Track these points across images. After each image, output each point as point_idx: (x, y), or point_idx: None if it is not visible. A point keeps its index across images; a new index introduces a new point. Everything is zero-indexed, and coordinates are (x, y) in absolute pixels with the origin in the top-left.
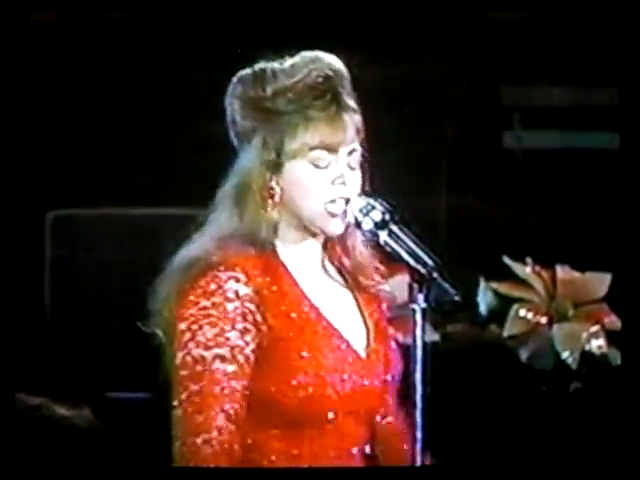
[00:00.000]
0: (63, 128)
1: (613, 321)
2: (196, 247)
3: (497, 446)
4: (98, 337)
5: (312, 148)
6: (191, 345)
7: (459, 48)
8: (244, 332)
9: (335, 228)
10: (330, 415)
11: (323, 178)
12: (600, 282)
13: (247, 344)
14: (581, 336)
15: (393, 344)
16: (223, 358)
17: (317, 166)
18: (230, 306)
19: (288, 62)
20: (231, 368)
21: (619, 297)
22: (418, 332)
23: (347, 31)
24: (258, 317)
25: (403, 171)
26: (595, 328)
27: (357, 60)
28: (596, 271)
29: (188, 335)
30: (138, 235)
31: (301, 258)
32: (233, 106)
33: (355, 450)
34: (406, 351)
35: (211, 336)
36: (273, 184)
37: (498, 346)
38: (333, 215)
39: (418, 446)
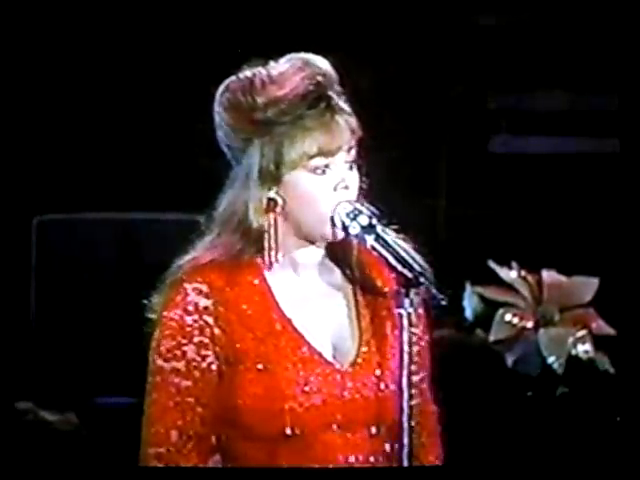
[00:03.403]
0: (48, 134)
1: (600, 326)
2: (187, 256)
3: (484, 450)
4: (83, 342)
5: (311, 157)
6: (155, 354)
7: (451, 53)
8: (200, 346)
9: (338, 234)
10: (287, 431)
11: (325, 185)
12: (586, 287)
13: (203, 359)
14: (567, 341)
15: (400, 351)
16: (178, 372)
17: (317, 174)
18: (189, 319)
19: (276, 69)
20: (186, 383)
21: (606, 302)
22: (405, 337)
23: (339, 36)
24: (216, 330)
25: (389, 176)
26: (581, 333)
27: (349, 64)
28: (582, 276)
29: (154, 344)
30: (123, 240)
31: (292, 265)
32: (222, 115)
33: (352, 459)
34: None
35: (170, 347)
36: (273, 195)
37: (484, 351)
38: (334, 223)
39: (405, 451)
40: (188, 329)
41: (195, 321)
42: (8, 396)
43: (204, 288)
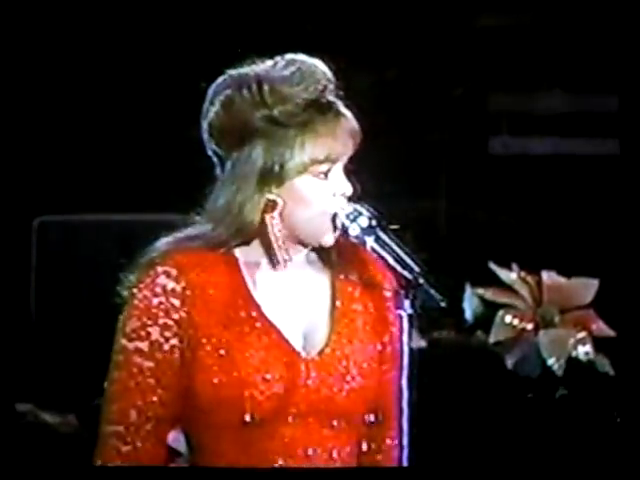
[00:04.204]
0: (49, 136)
1: (600, 327)
2: (161, 242)
3: (483, 452)
4: (84, 344)
5: (320, 162)
6: (119, 334)
7: (451, 54)
8: (165, 328)
9: (330, 240)
10: (247, 418)
11: (325, 190)
12: (586, 288)
13: (167, 340)
14: (567, 342)
15: (373, 346)
16: (141, 352)
17: (320, 178)
18: (155, 301)
19: (282, 70)
20: (148, 364)
21: (606, 303)
22: (404, 338)
23: (339, 38)
24: (182, 314)
25: (389, 177)
26: (581, 334)
27: (349, 66)
28: (582, 277)
29: (121, 324)
30: (124, 241)
31: (271, 261)
32: (218, 112)
33: (311, 451)
34: (392, 355)
35: (135, 327)
36: (273, 197)
37: (484, 352)
38: (332, 228)
39: (405, 452)
40: (154, 310)
41: (161, 303)
42: (8, 398)
43: (174, 272)
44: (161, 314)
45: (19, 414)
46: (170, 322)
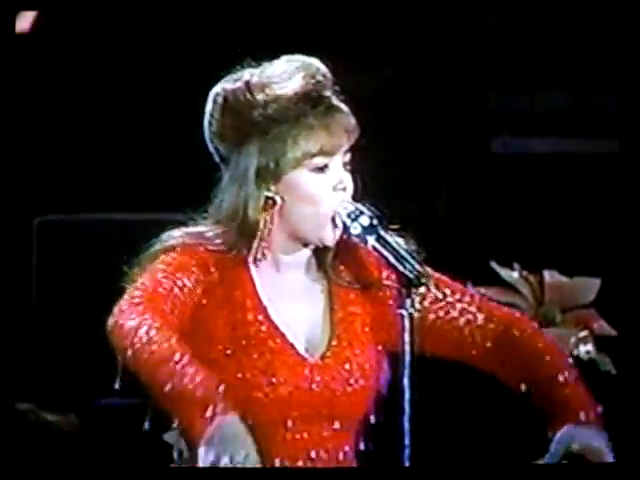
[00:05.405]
0: (48, 134)
1: (602, 326)
2: (170, 233)
3: (485, 452)
4: (84, 343)
5: (313, 155)
6: (145, 274)
7: (452, 54)
8: (196, 283)
9: (332, 239)
10: (250, 421)
11: (324, 184)
12: (588, 287)
13: (194, 289)
14: (569, 341)
15: (374, 347)
16: (172, 274)
17: (317, 173)
18: (192, 262)
19: (274, 69)
20: (181, 283)
21: (608, 302)
22: (406, 337)
23: (340, 37)
24: (203, 300)
25: (390, 177)
26: (583, 333)
27: (349, 65)
28: (584, 276)
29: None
30: (125, 241)
31: (275, 262)
32: (216, 116)
33: (314, 454)
34: (393, 357)
35: (161, 265)
36: (271, 194)
37: None
38: (333, 224)
39: (406, 452)
40: (188, 263)
41: (193, 270)
42: (9, 397)
43: (193, 262)
44: (192, 277)
45: (20, 413)
46: (198, 287)
